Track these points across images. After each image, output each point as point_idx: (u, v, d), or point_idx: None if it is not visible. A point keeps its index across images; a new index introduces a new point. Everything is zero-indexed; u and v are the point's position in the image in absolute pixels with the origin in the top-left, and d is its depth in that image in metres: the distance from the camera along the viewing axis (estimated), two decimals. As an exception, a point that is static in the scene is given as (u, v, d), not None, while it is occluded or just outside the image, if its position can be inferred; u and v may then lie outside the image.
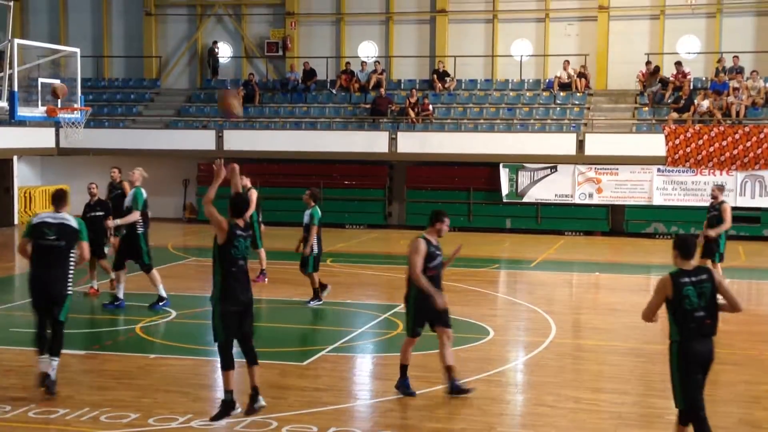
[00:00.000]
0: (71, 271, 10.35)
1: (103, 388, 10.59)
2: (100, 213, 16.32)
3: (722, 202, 16.80)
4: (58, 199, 10.66)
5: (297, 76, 32.54)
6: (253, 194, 17.81)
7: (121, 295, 15.47)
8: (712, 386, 11.10)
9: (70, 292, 10.31)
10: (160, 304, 15.28)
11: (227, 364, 9.52)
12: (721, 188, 17.47)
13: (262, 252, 18.37)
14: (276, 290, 17.48)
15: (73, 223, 10.47)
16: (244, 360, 9.69)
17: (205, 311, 15.12)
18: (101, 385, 10.76)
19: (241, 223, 9.55)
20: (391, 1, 32.95)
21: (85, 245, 10.50)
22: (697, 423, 8.01)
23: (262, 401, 9.58)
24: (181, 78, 35.10)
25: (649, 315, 8.11)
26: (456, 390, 10.32)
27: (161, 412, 9.50)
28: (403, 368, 10.50)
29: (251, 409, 9.54)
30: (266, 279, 18.31)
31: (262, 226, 18.45)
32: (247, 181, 18.02)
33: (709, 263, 16.42)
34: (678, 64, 29.33)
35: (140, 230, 15.39)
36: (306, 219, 15.79)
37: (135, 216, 15.33)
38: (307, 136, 29.84)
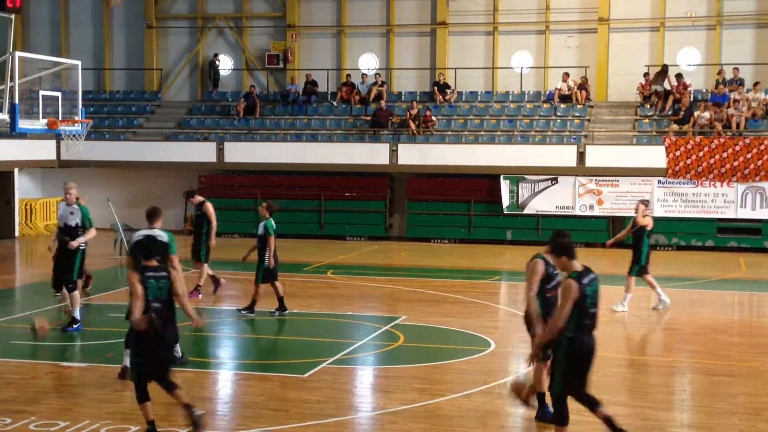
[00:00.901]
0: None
1: (104, 401, 10.58)
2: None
3: (645, 216, 17.11)
4: (150, 215, 12.14)
5: (298, 88, 32.60)
6: (209, 207, 17.80)
7: (77, 315, 14.41)
8: (713, 398, 11.10)
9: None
10: (74, 326, 14.22)
11: (142, 397, 9.25)
12: (645, 202, 17.66)
13: (205, 267, 17.95)
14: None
15: (164, 237, 11.64)
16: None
17: (206, 323, 15.13)
18: (102, 397, 10.75)
19: (151, 263, 9.46)
20: (392, 13, 33.04)
21: (174, 258, 11.37)
22: (578, 401, 8.76)
23: (197, 411, 9.27)
24: (182, 90, 35.17)
25: (563, 321, 8.48)
26: (544, 418, 9.78)
27: (162, 425, 9.48)
28: (541, 396, 9.85)
29: (197, 423, 9.19)
30: (200, 296, 17.63)
31: (213, 241, 17.84)
32: (199, 198, 18.07)
33: (633, 279, 16.90)
34: (679, 76, 29.38)
35: (83, 246, 14.59)
36: (260, 230, 15.85)
37: (93, 232, 14.67)
38: (308, 148, 29.87)
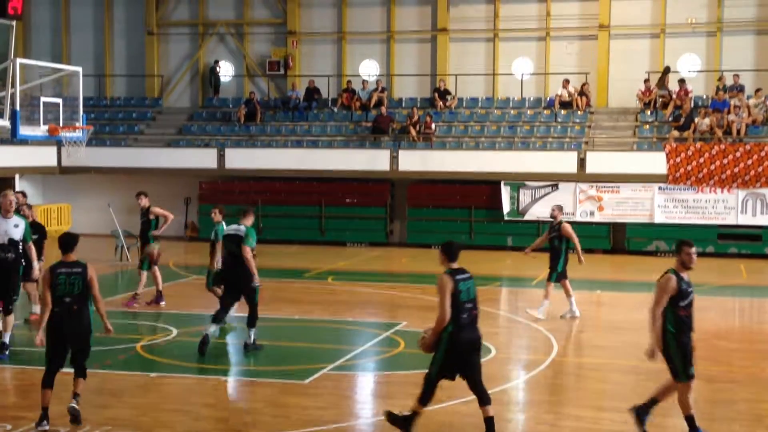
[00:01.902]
0: (250, 268, 13.45)
1: (104, 407, 10.57)
2: (35, 236, 14.81)
3: (561, 222, 16.75)
4: (242, 214, 14.02)
5: (298, 94, 32.63)
6: (158, 210, 17.67)
7: (6, 340, 13.23)
8: (713, 405, 11.09)
9: (256, 284, 13.59)
10: (5, 353, 13.09)
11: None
12: (560, 208, 17.25)
13: (143, 275, 17.65)
14: (277, 308, 17.44)
15: (241, 232, 13.70)
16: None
17: (207, 331, 15.12)
18: (102, 403, 10.74)
19: (68, 258, 10.04)
20: (392, 19, 33.08)
21: (246, 248, 13.48)
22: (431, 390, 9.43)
23: (75, 404, 9.83)
24: (183, 97, 35.20)
25: (447, 313, 9.18)
26: None
27: (162, 431, 9.48)
28: (690, 419, 9.44)
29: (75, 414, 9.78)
30: (135, 304, 17.34)
31: (156, 249, 17.71)
32: (145, 201, 17.81)
33: (551, 286, 16.62)
34: (681, 81, 29.40)
35: (24, 263, 13.69)
36: (212, 235, 15.88)
37: (33, 248, 13.72)
38: (309, 154, 29.88)
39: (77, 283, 9.80)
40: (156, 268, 17.80)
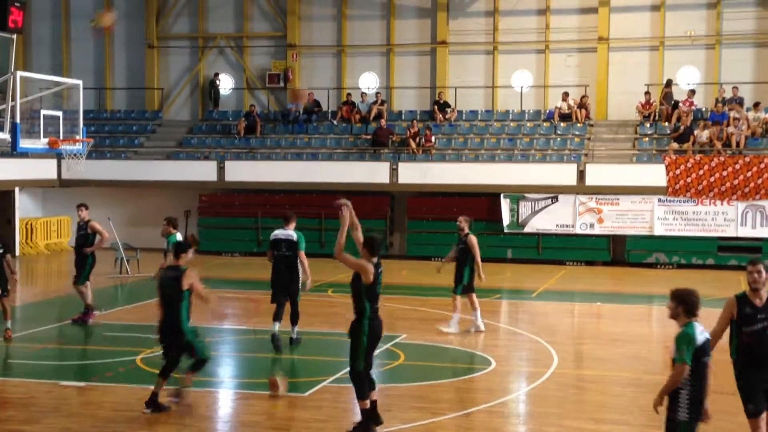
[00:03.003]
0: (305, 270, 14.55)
1: (102, 420, 10.55)
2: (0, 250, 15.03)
3: (468, 234, 16.44)
4: (286, 219, 14.81)
5: (298, 107, 32.67)
6: (96, 226, 17.21)
7: None
8: (714, 416, 11.04)
9: (307, 286, 14.62)
10: None
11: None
12: (467, 219, 16.82)
13: (87, 287, 17.07)
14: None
15: (293, 237, 14.62)
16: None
17: (206, 343, 15.11)
18: (101, 416, 10.72)
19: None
20: (392, 32, 33.15)
21: (301, 253, 14.61)
22: (366, 378, 10.06)
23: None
24: (183, 110, 35.25)
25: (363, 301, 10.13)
26: None
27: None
28: None
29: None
30: (96, 312, 17.12)
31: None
32: (85, 214, 17.33)
33: (458, 299, 16.26)
34: (692, 92, 29.46)
35: None
36: (166, 246, 15.96)
37: None
38: (309, 166, 29.90)
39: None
40: (88, 282, 17.08)
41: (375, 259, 10.22)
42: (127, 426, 10.28)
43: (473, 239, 16.43)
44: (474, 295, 16.45)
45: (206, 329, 16.28)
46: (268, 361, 13.85)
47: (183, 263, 11.00)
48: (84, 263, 16.96)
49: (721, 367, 13.45)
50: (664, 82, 30.09)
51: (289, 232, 14.68)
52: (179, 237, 15.70)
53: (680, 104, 29.16)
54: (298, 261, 14.66)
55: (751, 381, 8.62)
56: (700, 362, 7.78)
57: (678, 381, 7.71)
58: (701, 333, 7.81)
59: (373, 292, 10.07)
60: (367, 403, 9.96)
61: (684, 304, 7.84)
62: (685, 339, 7.70)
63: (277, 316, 14.62)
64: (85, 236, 17.14)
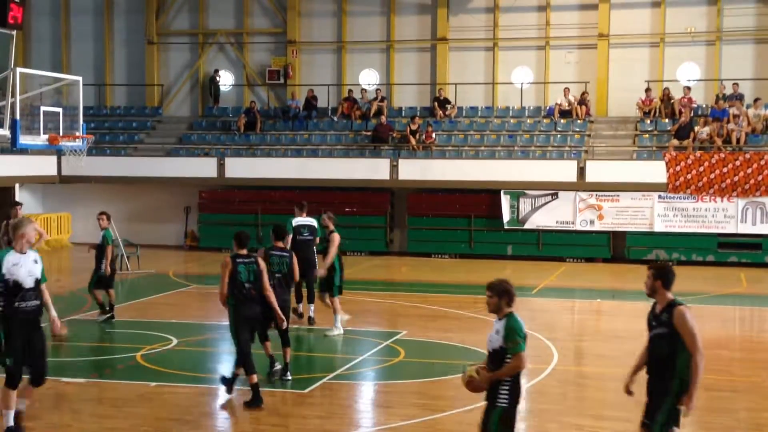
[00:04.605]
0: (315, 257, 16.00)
1: (103, 416, 10.55)
2: None
3: (332, 231, 15.79)
4: (301, 206, 16.41)
5: (298, 103, 32.66)
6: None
7: None
8: (714, 413, 11.07)
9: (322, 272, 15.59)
10: None
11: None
12: (331, 217, 16.14)
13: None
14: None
15: (315, 223, 16.24)
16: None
17: (206, 339, 15.13)
18: (101, 413, 10.72)
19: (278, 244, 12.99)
20: (392, 29, 33.12)
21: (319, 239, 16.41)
22: (248, 362, 11.09)
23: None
24: (183, 106, 35.24)
25: (223, 290, 11.08)
26: None
27: None
28: None
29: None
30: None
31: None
32: (21, 214, 16.87)
33: (327, 298, 15.78)
34: (688, 89, 29.46)
35: None
36: (100, 240, 16.15)
37: None
38: (309, 163, 29.89)
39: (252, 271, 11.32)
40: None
41: (243, 252, 11.22)
42: (127, 422, 10.28)
43: (336, 237, 15.76)
44: (336, 299, 15.81)
45: (208, 326, 16.30)
46: (266, 357, 13.82)
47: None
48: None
49: (721, 364, 13.45)
50: (664, 80, 30.09)
51: (309, 219, 16.35)
52: (112, 231, 16.32)
53: (678, 104, 29.15)
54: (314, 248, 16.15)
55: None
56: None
57: (520, 369, 7.93)
58: (523, 324, 7.99)
59: (235, 281, 11.08)
60: (254, 377, 11.02)
61: (506, 296, 7.97)
62: (516, 329, 7.85)
63: (299, 297, 16.20)
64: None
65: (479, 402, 11.35)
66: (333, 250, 15.68)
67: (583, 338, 16.70)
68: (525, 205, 28.18)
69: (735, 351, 15.44)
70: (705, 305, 20.08)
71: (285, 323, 11.97)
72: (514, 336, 7.83)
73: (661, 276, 8.24)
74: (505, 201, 28.22)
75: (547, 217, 28.01)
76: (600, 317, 19.54)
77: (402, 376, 12.95)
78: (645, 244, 27.54)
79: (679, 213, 27.09)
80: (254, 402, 10.87)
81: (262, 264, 11.44)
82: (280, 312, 11.71)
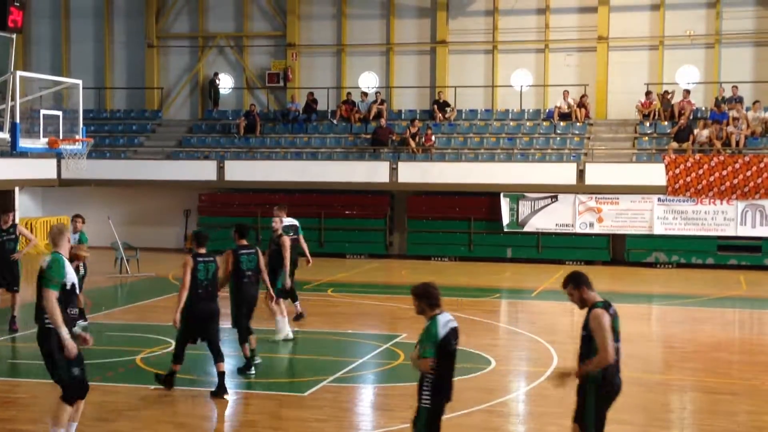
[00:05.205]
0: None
1: (104, 420, 10.55)
2: None
3: (281, 234, 15.34)
4: (282, 207, 16.32)
5: (298, 106, 32.67)
6: (23, 229, 16.99)
7: None
8: (714, 416, 11.08)
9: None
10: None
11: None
12: (280, 219, 15.60)
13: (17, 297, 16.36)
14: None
15: (297, 223, 16.93)
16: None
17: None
18: (102, 416, 10.72)
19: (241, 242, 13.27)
20: (392, 32, 33.15)
21: (302, 237, 16.91)
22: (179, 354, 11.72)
23: None
24: (183, 109, 35.26)
25: (185, 286, 11.49)
26: None
27: None
28: None
29: None
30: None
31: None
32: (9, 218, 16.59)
33: (282, 302, 15.36)
34: (687, 92, 29.48)
35: None
36: (74, 241, 15.81)
37: None
38: (308, 166, 29.90)
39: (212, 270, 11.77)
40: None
41: (201, 250, 11.72)
42: (128, 425, 10.28)
43: (286, 240, 15.34)
44: (282, 302, 15.51)
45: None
46: (269, 360, 13.84)
47: None
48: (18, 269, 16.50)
49: (721, 367, 13.45)
50: (663, 83, 30.10)
51: (292, 219, 16.78)
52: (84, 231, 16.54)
53: (677, 108, 29.16)
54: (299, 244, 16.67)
55: None
56: (444, 353, 7.87)
57: (425, 372, 7.86)
58: (444, 326, 7.90)
59: (194, 279, 11.50)
60: (177, 367, 11.70)
61: (426, 299, 7.98)
62: (427, 336, 7.83)
63: (293, 296, 16.44)
64: (17, 240, 16.68)
65: (479, 405, 11.38)
66: (287, 255, 15.25)
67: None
68: (524, 208, 28.19)
69: (734, 354, 15.45)
70: (704, 308, 20.09)
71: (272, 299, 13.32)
72: (424, 340, 7.87)
73: (576, 283, 8.28)
74: (505, 204, 28.24)
75: (546, 219, 28.03)
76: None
77: (402, 379, 12.95)
78: (644, 246, 27.55)
79: (678, 216, 27.11)
80: (166, 383, 11.79)
81: (220, 263, 12.02)
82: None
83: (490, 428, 10.41)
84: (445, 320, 7.95)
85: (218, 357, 11.59)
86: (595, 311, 7.87)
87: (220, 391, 11.49)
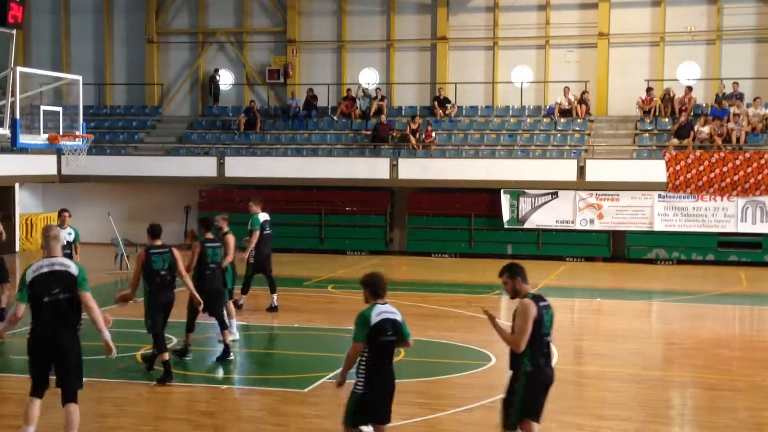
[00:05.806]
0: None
1: (104, 416, 10.55)
2: None
3: (227, 233, 15.24)
4: (258, 203, 17.88)
5: (298, 102, 32.66)
6: None
7: None
8: (714, 413, 11.08)
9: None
10: None
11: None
12: (225, 218, 15.62)
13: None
14: (276, 317, 17.44)
15: (268, 217, 17.84)
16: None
17: (206, 338, 15.12)
18: (101, 412, 10.72)
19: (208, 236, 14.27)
20: (392, 28, 33.12)
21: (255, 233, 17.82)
22: (159, 342, 12.20)
23: None
24: (183, 105, 35.23)
25: (135, 280, 12.22)
26: None
27: None
28: None
29: None
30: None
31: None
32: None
33: (230, 303, 15.21)
34: (689, 88, 29.45)
35: None
36: (68, 237, 15.98)
37: None
38: (309, 162, 29.89)
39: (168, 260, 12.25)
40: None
41: (157, 242, 12.36)
42: (128, 421, 10.28)
43: (230, 239, 15.20)
44: (231, 303, 15.39)
45: (208, 325, 16.29)
46: (269, 356, 13.85)
47: None
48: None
49: (722, 363, 13.46)
50: (664, 79, 30.09)
51: (266, 214, 18.03)
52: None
53: (678, 104, 29.14)
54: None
55: None
56: (376, 341, 8.22)
57: (353, 358, 8.34)
58: (378, 315, 8.22)
59: (150, 269, 12.08)
60: (166, 355, 12.11)
61: (371, 288, 8.32)
62: (360, 320, 8.22)
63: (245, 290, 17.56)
64: None
65: (479, 402, 11.37)
66: (230, 253, 15.00)
67: (582, 337, 16.70)
68: (525, 205, 28.18)
69: (735, 350, 15.44)
70: (705, 304, 20.09)
71: (201, 305, 12.82)
72: (356, 325, 8.28)
73: (512, 273, 8.62)
74: (505, 200, 28.22)
75: (547, 216, 28.01)
76: (600, 317, 19.54)
77: (402, 375, 12.85)
78: (645, 243, 27.54)
79: (679, 212, 27.09)
80: (166, 378, 11.94)
81: (177, 253, 12.39)
82: (196, 294, 12.63)
83: (490, 424, 10.41)
84: (383, 310, 8.27)
85: (163, 348, 12.22)
86: (524, 301, 8.28)
87: (166, 378, 11.99)
